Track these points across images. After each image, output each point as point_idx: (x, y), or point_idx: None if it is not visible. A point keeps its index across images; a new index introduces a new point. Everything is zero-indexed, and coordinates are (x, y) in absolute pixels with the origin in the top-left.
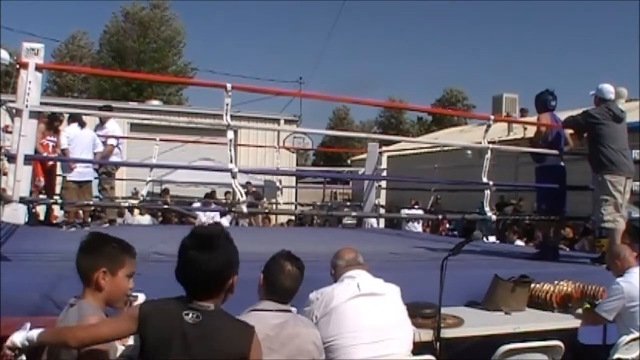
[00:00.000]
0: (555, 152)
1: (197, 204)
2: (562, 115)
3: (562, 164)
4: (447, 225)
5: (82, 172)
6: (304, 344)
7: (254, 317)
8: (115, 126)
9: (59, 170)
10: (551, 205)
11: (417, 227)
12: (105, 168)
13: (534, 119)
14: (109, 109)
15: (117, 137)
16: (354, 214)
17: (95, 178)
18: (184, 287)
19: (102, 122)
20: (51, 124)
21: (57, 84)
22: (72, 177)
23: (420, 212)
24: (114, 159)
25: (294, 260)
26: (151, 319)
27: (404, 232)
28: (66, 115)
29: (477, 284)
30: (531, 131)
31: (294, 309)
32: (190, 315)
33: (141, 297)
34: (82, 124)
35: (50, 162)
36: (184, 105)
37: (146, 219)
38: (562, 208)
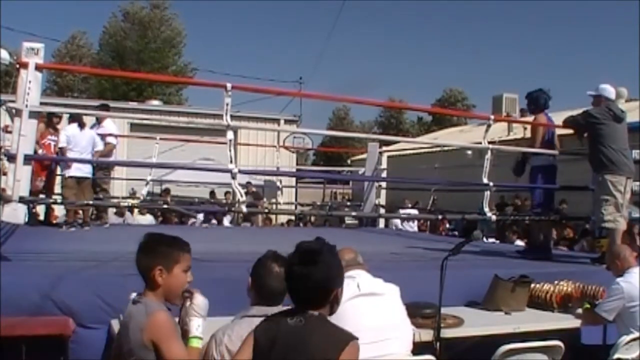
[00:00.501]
0: (555, 152)
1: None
2: (562, 115)
3: (555, 163)
4: (447, 225)
5: (81, 168)
6: None
7: (245, 323)
8: (112, 125)
9: (58, 170)
10: (545, 205)
11: (413, 226)
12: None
13: (532, 119)
14: (106, 108)
15: (115, 136)
16: (354, 213)
17: (93, 178)
18: (292, 300)
19: (99, 121)
20: (50, 122)
21: (57, 84)
22: (70, 172)
23: (415, 211)
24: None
25: (281, 260)
26: (261, 328)
27: (403, 232)
28: (65, 115)
29: (477, 284)
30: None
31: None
32: (295, 319)
33: (198, 295)
34: (82, 125)
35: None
36: (184, 105)
37: (147, 219)
38: (552, 207)
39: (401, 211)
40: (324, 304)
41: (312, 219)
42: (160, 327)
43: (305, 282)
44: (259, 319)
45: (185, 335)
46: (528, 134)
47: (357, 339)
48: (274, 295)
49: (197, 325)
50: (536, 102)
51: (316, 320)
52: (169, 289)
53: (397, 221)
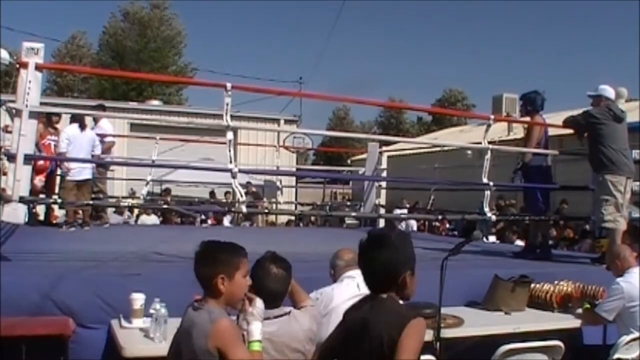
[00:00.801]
0: (555, 152)
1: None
2: (562, 115)
3: (549, 163)
4: (447, 225)
5: (81, 171)
6: (297, 345)
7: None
8: (109, 125)
9: (58, 170)
10: (540, 205)
11: (412, 226)
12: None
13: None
14: (102, 108)
15: (113, 135)
16: (354, 214)
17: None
18: (366, 285)
19: (96, 121)
20: (49, 121)
21: (57, 84)
22: (70, 176)
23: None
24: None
25: (279, 262)
26: (347, 312)
27: None
28: (65, 116)
29: (477, 284)
30: None
31: (288, 309)
32: (367, 303)
33: (257, 299)
34: (83, 126)
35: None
36: (184, 105)
37: (152, 219)
38: (547, 207)
39: (397, 211)
40: (391, 287)
41: (312, 218)
42: (225, 333)
43: (371, 265)
44: None
45: (244, 339)
46: None
47: (421, 316)
48: (273, 297)
49: (258, 330)
50: (533, 104)
51: (383, 302)
52: (231, 296)
53: (413, 222)
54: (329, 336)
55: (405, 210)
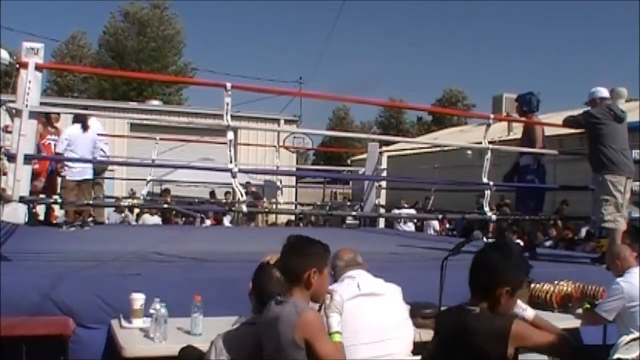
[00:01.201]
0: (555, 152)
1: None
2: (562, 115)
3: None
4: (447, 225)
5: (82, 171)
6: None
7: (246, 331)
8: (97, 123)
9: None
10: (535, 204)
11: (411, 227)
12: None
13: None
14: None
15: (111, 135)
16: (353, 213)
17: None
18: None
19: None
20: (49, 120)
21: (57, 84)
22: (71, 176)
23: (412, 211)
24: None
25: None
26: (440, 318)
27: (403, 232)
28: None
29: None
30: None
31: None
32: (461, 316)
33: (336, 293)
34: (86, 127)
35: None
36: (184, 105)
37: (155, 219)
38: (541, 207)
39: (396, 211)
40: (486, 298)
41: (312, 218)
42: (312, 325)
43: (473, 271)
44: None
45: None
46: None
47: (517, 316)
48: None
49: (337, 322)
50: (529, 104)
51: (479, 316)
52: (318, 290)
53: (435, 223)
54: (430, 347)
55: (411, 211)
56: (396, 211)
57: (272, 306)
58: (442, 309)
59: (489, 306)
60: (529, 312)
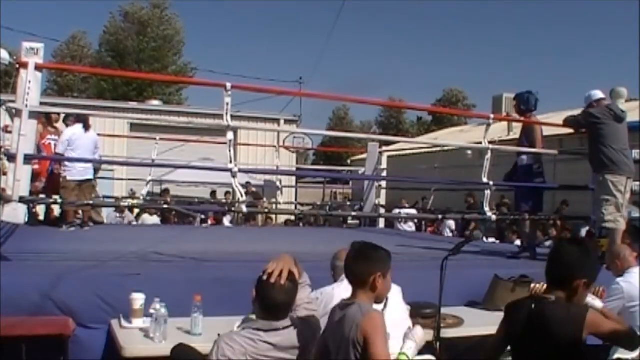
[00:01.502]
0: (555, 152)
1: None
2: (562, 115)
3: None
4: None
5: (82, 171)
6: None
7: (249, 337)
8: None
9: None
10: (534, 204)
11: (411, 227)
12: None
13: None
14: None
15: (109, 136)
16: (354, 213)
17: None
18: None
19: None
20: (49, 120)
21: (57, 84)
22: (72, 176)
23: (412, 211)
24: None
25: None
26: (510, 307)
27: (403, 232)
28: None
29: (477, 284)
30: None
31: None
32: (535, 304)
33: (418, 327)
34: (87, 127)
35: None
36: (184, 105)
37: (154, 219)
38: (541, 207)
39: (396, 211)
40: (564, 288)
41: (312, 219)
42: (375, 322)
43: (551, 263)
44: (264, 332)
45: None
46: None
47: (590, 307)
48: (278, 308)
49: (410, 348)
50: (527, 103)
51: (554, 304)
52: (382, 292)
53: (452, 222)
54: (496, 336)
55: (412, 211)
56: (396, 211)
57: (336, 311)
58: (511, 300)
59: (565, 296)
60: (598, 303)
